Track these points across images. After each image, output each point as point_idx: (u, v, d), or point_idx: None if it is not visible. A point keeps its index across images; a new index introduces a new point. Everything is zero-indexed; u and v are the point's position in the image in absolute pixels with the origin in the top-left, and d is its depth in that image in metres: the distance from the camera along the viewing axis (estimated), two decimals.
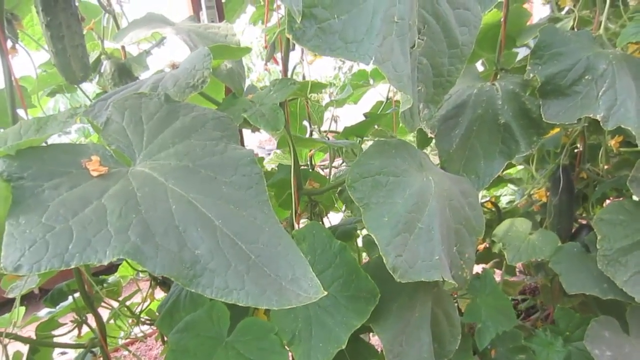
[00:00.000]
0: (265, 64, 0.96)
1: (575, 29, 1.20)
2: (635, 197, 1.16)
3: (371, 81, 1.85)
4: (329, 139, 1.46)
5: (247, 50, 0.93)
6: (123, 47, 1.29)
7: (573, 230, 1.44)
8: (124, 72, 1.19)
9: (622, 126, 0.91)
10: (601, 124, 0.93)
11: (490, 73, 1.20)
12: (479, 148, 1.05)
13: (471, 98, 1.02)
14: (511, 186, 2.08)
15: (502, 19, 1.21)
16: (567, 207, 1.37)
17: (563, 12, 1.46)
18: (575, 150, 1.40)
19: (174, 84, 0.76)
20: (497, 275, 1.85)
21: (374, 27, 0.63)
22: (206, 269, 0.49)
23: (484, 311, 1.16)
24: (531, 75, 1.00)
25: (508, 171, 1.96)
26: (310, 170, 1.21)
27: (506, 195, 2.26)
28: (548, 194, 1.41)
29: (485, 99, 1.02)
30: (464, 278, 0.94)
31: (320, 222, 1.05)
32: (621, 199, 1.40)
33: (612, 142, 1.29)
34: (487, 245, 1.58)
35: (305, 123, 1.50)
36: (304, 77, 1.58)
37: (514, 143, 1.03)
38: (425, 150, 1.22)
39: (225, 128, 0.65)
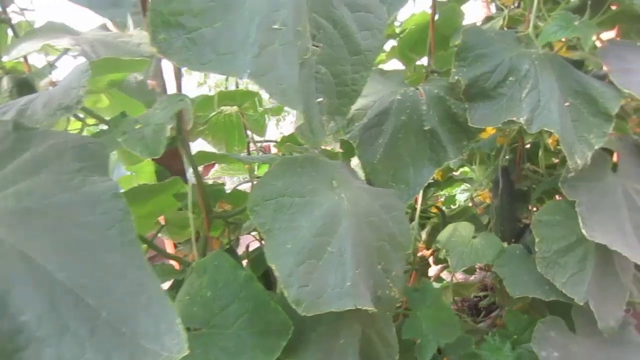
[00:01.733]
0: (147, 79, 0.88)
1: (505, 28, 1.16)
2: None
3: None
4: (263, 151, 1.39)
5: (146, 62, 0.85)
6: (26, 60, 1.18)
7: (518, 232, 1.41)
8: (25, 87, 1.09)
9: (545, 129, 0.87)
10: (525, 128, 0.88)
11: (422, 76, 1.15)
12: (407, 156, 1.00)
13: (394, 104, 0.96)
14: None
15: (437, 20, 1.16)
16: (509, 208, 1.34)
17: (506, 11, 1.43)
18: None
19: (43, 105, 0.67)
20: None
21: (249, 35, 0.56)
22: (32, 340, 0.40)
23: (425, 324, 1.11)
24: (456, 77, 0.94)
25: (464, 169, 1.93)
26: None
27: (463, 192, 2.24)
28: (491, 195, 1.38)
29: (409, 104, 0.96)
30: (392, 297, 0.88)
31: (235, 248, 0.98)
32: (560, 198, 1.38)
33: (550, 141, 1.26)
34: (434, 251, 1.53)
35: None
36: (237, 85, 1.50)
37: (441, 149, 0.98)
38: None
39: (89, 157, 0.57)
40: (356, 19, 0.69)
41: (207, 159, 1.03)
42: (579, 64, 1.00)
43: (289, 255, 0.68)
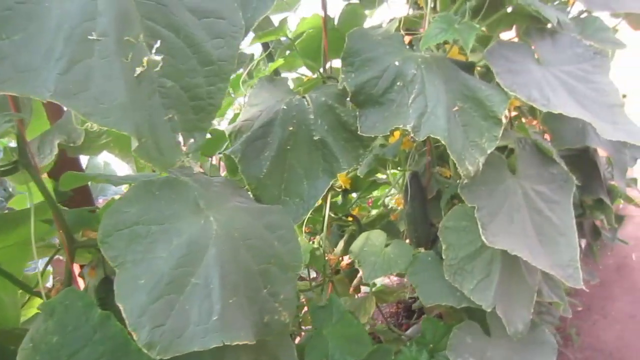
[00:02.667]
0: None
1: (401, 31, 1.13)
2: None
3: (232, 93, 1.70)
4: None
5: None
6: None
7: (433, 237, 1.39)
8: None
9: (432, 136, 0.84)
10: (413, 135, 0.85)
11: (317, 82, 1.10)
12: (299, 168, 0.94)
13: (279, 115, 0.90)
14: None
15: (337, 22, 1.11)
16: (421, 213, 1.31)
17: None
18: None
19: None
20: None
21: (54, 49, 0.48)
22: None
23: (331, 343, 1.05)
24: (344, 84, 0.90)
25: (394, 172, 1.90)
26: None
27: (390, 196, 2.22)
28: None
29: (296, 114, 0.91)
30: (282, 322, 0.82)
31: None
32: None
33: None
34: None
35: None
36: None
37: (334, 160, 0.93)
38: None
39: None
40: (205, 26, 0.62)
41: (76, 180, 0.93)
42: (470, 66, 0.98)
43: (142, 291, 0.60)
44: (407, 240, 1.41)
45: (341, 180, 1.31)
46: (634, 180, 1.78)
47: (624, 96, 1.68)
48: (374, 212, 1.88)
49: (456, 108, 0.89)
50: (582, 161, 1.49)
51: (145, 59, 0.57)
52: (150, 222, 0.65)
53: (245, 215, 0.78)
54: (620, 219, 1.60)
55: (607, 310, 2.74)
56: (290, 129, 0.91)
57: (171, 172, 0.74)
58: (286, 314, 0.82)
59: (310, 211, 0.96)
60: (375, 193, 2.01)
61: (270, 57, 1.43)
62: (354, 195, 1.71)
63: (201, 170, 0.68)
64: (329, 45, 1.26)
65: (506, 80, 0.89)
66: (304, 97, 0.93)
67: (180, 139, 0.64)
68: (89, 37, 0.50)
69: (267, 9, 0.71)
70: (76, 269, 1.38)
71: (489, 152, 0.90)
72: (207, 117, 0.65)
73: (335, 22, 1.27)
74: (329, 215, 1.51)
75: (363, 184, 1.68)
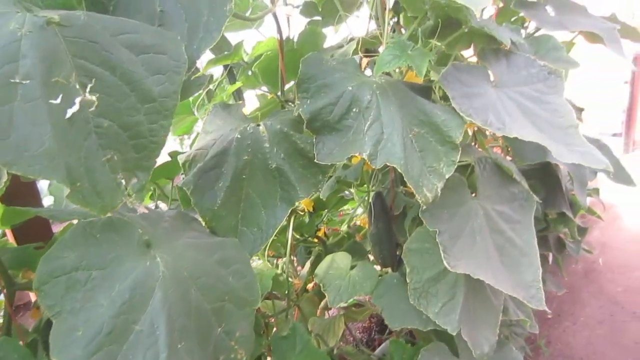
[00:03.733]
0: None
1: (360, 52, 1.13)
2: None
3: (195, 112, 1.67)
4: None
5: None
6: None
7: (399, 257, 1.38)
8: None
9: (389, 164, 0.82)
10: (370, 163, 0.83)
11: (275, 105, 1.08)
12: (256, 197, 0.91)
13: (233, 144, 0.88)
14: None
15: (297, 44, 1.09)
16: (386, 235, 1.30)
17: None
18: None
19: None
20: None
21: None
22: None
23: None
24: (299, 111, 0.88)
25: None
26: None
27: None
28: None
29: (250, 142, 0.88)
30: None
31: None
32: None
33: None
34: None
35: None
36: None
37: (291, 188, 0.91)
38: None
39: None
40: (144, 62, 0.59)
41: (16, 217, 0.88)
42: (427, 90, 0.97)
43: (78, 344, 0.56)
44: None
45: (304, 203, 1.29)
46: (596, 190, 1.81)
47: (582, 110, 1.71)
48: (344, 227, 1.87)
49: (413, 133, 0.88)
50: (545, 175, 1.51)
51: (78, 100, 0.54)
52: (90, 268, 0.61)
53: (196, 252, 0.75)
54: (583, 230, 1.62)
55: (577, 316, 2.79)
56: (246, 158, 0.88)
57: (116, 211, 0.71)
58: (243, 352, 0.79)
59: (269, 240, 0.93)
60: (347, 207, 2.00)
61: (232, 76, 1.40)
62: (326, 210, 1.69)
63: (146, 210, 0.65)
64: (289, 67, 1.25)
65: (462, 105, 0.89)
66: (258, 125, 0.90)
67: (122, 179, 0.61)
68: (11, 80, 0.47)
69: (214, 40, 0.69)
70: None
71: (447, 177, 0.89)
72: (150, 156, 0.63)
73: (295, 43, 1.26)
74: (295, 237, 1.49)
75: (330, 201, 1.66)
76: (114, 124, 0.58)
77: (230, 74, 1.38)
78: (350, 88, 0.87)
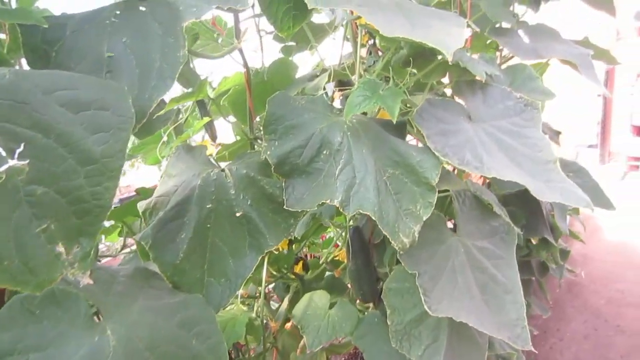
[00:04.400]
0: None
1: (332, 86, 1.08)
2: None
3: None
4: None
5: None
6: None
7: (380, 292, 1.33)
8: None
9: (361, 211, 0.77)
10: (342, 210, 0.78)
11: (244, 144, 1.03)
12: (223, 246, 0.85)
13: (195, 192, 0.82)
14: None
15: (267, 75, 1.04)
16: (365, 270, 1.24)
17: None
18: None
19: None
20: None
21: None
22: None
23: None
24: (267, 154, 0.82)
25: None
26: None
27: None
28: None
29: (214, 189, 0.83)
30: None
31: None
32: None
33: None
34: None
35: None
36: None
37: (260, 236, 0.85)
38: None
39: None
40: (83, 120, 0.53)
41: None
42: (401, 127, 0.93)
43: None
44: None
45: None
46: (576, 210, 1.79)
47: (559, 133, 1.70)
48: (324, 251, 1.81)
49: (387, 175, 0.83)
50: (525, 200, 1.48)
51: (3, 168, 0.48)
52: (28, 350, 0.55)
53: (154, 316, 0.69)
54: (565, 254, 1.60)
55: (563, 332, 2.77)
56: (209, 206, 0.82)
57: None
58: None
59: (238, 291, 0.87)
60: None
61: (203, 108, 1.34)
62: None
63: (90, 281, 0.58)
64: (259, 100, 1.19)
65: (437, 144, 0.84)
66: (223, 170, 0.85)
67: (62, 249, 0.55)
68: None
69: (167, 88, 0.63)
70: None
71: (424, 219, 0.85)
72: (94, 221, 0.56)
73: (266, 74, 1.21)
74: (271, 273, 1.43)
75: (308, 233, 1.60)
76: (50, 190, 0.52)
77: (202, 106, 1.33)
78: (319, 129, 0.83)
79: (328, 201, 0.78)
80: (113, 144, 0.55)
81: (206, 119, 1.05)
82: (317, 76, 1.13)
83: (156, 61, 0.64)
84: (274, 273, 1.38)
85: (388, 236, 0.79)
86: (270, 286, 1.43)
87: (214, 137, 1.35)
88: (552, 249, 1.46)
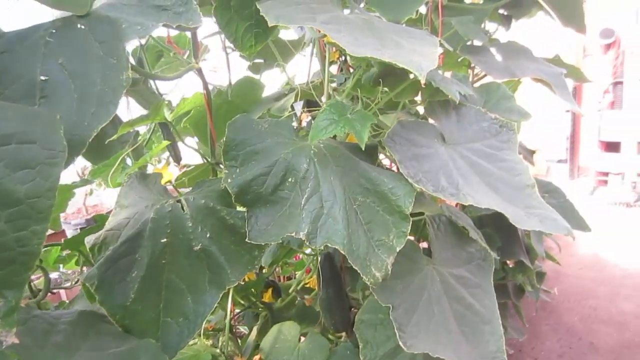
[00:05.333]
0: None
1: (299, 106, 1.03)
2: None
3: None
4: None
5: None
6: None
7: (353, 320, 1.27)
8: None
9: (330, 244, 0.71)
10: (308, 244, 0.72)
11: (206, 170, 0.96)
12: (181, 283, 0.78)
13: (148, 225, 0.74)
14: None
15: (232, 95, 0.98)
16: (337, 299, 1.18)
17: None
18: None
19: None
20: None
21: None
22: None
23: None
24: (226, 183, 0.76)
25: None
26: None
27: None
28: None
29: (169, 222, 0.76)
30: None
31: None
32: None
33: None
34: None
35: None
36: None
37: (221, 270, 0.78)
38: None
39: None
40: (3, 155, 0.46)
41: None
42: (373, 150, 0.88)
43: None
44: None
45: None
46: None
47: (533, 152, 1.68)
48: (298, 273, 1.74)
49: (357, 204, 0.77)
50: (501, 222, 1.44)
51: None
52: None
53: None
54: (541, 276, 1.57)
55: (538, 351, 2.75)
56: (164, 240, 0.75)
57: None
58: None
59: (199, 331, 0.80)
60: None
61: (166, 129, 1.27)
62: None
63: (16, 341, 0.51)
64: (223, 121, 1.13)
65: (410, 169, 0.79)
66: (178, 201, 0.78)
67: None
68: None
69: (109, 115, 0.57)
70: None
71: (398, 249, 0.79)
72: (20, 270, 0.49)
73: (230, 94, 1.14)
74: (239, 302, 1.35)
75: (278, 257, 1.53)
76: None
77: (164, 127, 1.25)
78: (284, 155, 0.77)
79: (293, 234, 0.72)
80: (40, 182, 0.48)
81: (164, 144, 0.98)
82: (285, 95, 1.07)
83: (96, 85, 0.57)
84: (241, 302, 1.31)
85: (359, 271, 0.73)
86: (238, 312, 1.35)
87: (177, 159, 1.28)
88: (528, 272, 1.43)
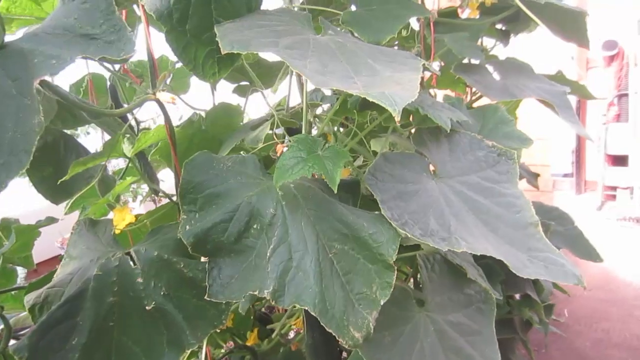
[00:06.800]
0: None
1: (274, 136, 0.93)
2: None
3: None
4: None
5: None
6: None
7: None
8: None
9: (298, 305, 0.61)
10: (275, 303, 0.62)
11: (172, 209, 0.86)
12: (134, 346, 0.68)
13: (90, 284, 0.65)
14: None
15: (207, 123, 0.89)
16: (323, 344, 1.07)
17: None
18: None
19: None
20: None
21: None
22: None
23: None
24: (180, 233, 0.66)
25: None
26: None
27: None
28: None
29: (117, 279, 0.66)
30: None
31: None
32: None
33: None
34: None
35: None
36: None
37: (180, 331, 0.68)
38: None
39: None
40: None
41: None
42: (354, 188, 0.78)
43: None
44: None
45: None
46: None
47: (537, 175, 1.57)
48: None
49: (334, 252, 0.67)
50: None
51: None
52: None
53: None
54: (550, 308, 1.45)
55: None
56: (111, 299, 0.65)
57: None
58: None
59: None
60: None
61: (143, 158, 1.17)
62: None
63: None
64: (197, 151, 1.04)
65: (394, 211, 0.69)
66: (127, 253, 0.68)
67: None
68: None
69: (22, 166, 0.47)
70: None
71: (382, 302, 0.69)
72: None
73: (204, 122, 1.05)
74: (220, 344, 1.25)
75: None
76: None
77: (141, 157, 1.16)
78: (248, 198, 0.67)
79: (256, 292, 0.62)
80: None
81: (128, 180, 0.89)
82: (268, 121, 0.98)
83: (8, 131, 0.48)
84: (221, 343, 1.20)
85: (334, 333, 0.62)
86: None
87: (156, 192, 1.18)
88: (536, 306, 1.31)
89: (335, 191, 0.62)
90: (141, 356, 0.68)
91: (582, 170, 4.86)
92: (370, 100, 0.50)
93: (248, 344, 1.24)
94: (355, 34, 0.80)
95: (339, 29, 0.82)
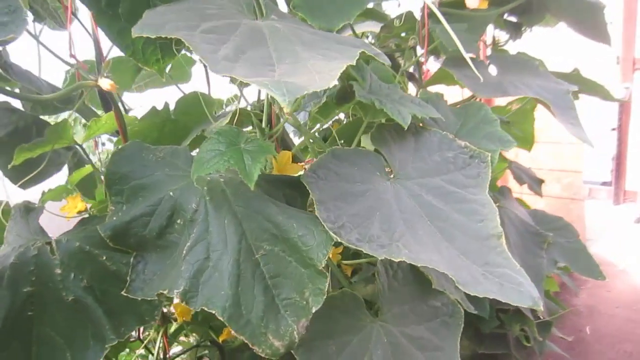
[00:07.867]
0: None
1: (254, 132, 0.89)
2: None
3: None
4: None
5: None
6: None
7: None
8: None
9: (205, 308, 0.57)
10: (186, 304, 0.58)
11: None
12: (57, 336, 0.66)
13: (6, 272, 0.63)
14: None
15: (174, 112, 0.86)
16: None
17: None
18: None
19: None
20: None
21: None
22: None
23: None
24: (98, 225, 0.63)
25: None
26: None
27: None
28: None
29: (34, 269, 0.64)
30: None
31: None
32: None
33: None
34: None
35: None
36: None
37: (99, 325, 0.65)
38: None
39: None
40: None
41: None
42: (302, 186, 0.73)
43: None
44: None
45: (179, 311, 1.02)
46: (566, 269, 1.53)
47: (542, 182, 1.47)
48: None
49: (261, 253, 0.63)
50: None
51: None
52: None
53: None
54: (547, 327, 1.33)
55: None
56: (27, 289, 0.63)
57: None
58: None
59: None
60: None
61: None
62: None
63: None
64: (168, 140, 1.02)
65: (332, 213, 0.64)
66: (48, 242, 0.65)
67: None
68: None
69: None
70: None
71: (314, 310, 0.64)
72: None
73: (173, 112, 1.03)
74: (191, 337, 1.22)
75: None
76: None
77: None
78: (171, 192, 0.63)
79: (166, 292, 0.58)
80: None
81: (87, 168, 0.87)
82: (229, 112, 0.94)
83: None
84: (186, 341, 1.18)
85: (247, 341, 0.58)
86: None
87: None
88: (528, 323, 1.22)
89: (252, 187, 0.57)
90: (65, 348, 0.66)
91: (621, 179, 4.57)
92: (261, 89, 0.45)
93: (221, 338, 1.21)
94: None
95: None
